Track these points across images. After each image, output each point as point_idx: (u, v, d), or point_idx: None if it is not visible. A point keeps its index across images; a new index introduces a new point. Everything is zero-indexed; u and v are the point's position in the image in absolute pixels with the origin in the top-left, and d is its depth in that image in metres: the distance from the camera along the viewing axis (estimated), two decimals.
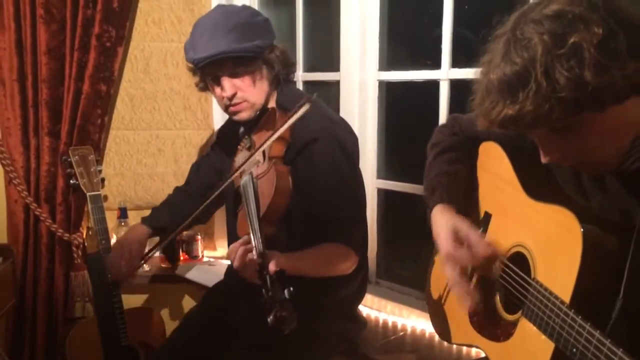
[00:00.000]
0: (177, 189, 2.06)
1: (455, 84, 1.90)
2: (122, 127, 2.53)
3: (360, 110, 2.16)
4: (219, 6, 1.71)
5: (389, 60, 2.16)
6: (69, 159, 2.15)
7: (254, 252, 1.28)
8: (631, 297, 0.93)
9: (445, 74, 1.92)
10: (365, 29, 2.12)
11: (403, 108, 2.20)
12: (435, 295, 1.48)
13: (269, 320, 1.03)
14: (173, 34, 2.51)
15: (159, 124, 2.56)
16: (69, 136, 2.27)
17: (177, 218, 1.80)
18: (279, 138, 1.57)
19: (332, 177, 1.58)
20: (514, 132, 0.98)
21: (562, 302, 0.97)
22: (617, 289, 0.94)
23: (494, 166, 1.31)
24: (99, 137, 2.33)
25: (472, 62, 1.90)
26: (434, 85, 1.95)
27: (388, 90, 2.18)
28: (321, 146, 1.58)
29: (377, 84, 2.16)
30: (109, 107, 2.36)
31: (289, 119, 1.47)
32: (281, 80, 1.70)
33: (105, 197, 2.35)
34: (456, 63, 1.89)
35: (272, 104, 1.70)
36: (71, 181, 2.17)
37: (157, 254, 2.50)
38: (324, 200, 1.56)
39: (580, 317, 0.93)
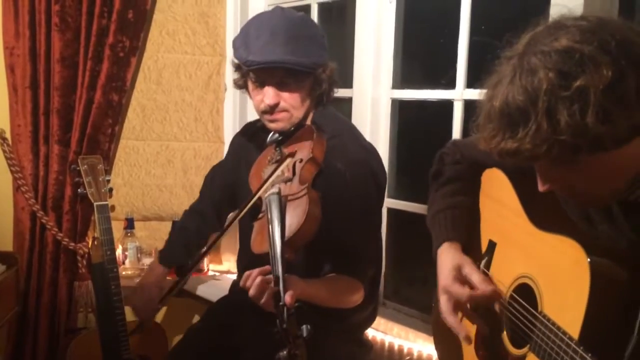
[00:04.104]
0: (191, 211, 2.01)
1: (470, 105, 1.88)
2: (133, 137, 2.52)
3: (373, 127, 2.14)
4: (279, 8, 1.61)
5: (402, 79, 2.14)
6: (78, 168, 2.14)
7: (272, 277, 1.23)
8: None
9: (460, 94, 1.89)
10: (379, 46, 2.10)
11: (416, 127, 2.18)
12: (442, 328, 1.44)
13: (281, 355, 0.99)
14: (187, 46, 2.51)
15: (169, 135, 2.55)
16: (78, 145, 2.27)
17: (193, 246, 1.77)
18: (312, 161, 1.51)
19: (361, 210, 1.53)
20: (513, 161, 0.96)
21: (571, 338, 0.93)
22: (628, 323, 0.90)
23: (498, 193, 1.27)
24: (109, 146, 2.32)
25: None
26: (448, 105, 1.93)
27: (401, 109, 2.16)
28: (356, 176, 1.53)
29: (390, 101, 2.14)
30: (120, 117, 2.36)
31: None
32: (324, 99, 1.64)
33: (113, 207, 2.34)
34: (471, 83, 1.87)
35: (308, 121, 1.65)
36: (79, 190, 2.16)
37: None
38: (350, 233, 1.51)
39: (590, 354, 0.89)
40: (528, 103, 0.85)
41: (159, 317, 2.49)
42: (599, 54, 0.83)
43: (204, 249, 1.68)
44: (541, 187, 0.99)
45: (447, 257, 1.23)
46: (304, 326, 1.02)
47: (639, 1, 1.57)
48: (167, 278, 1.98)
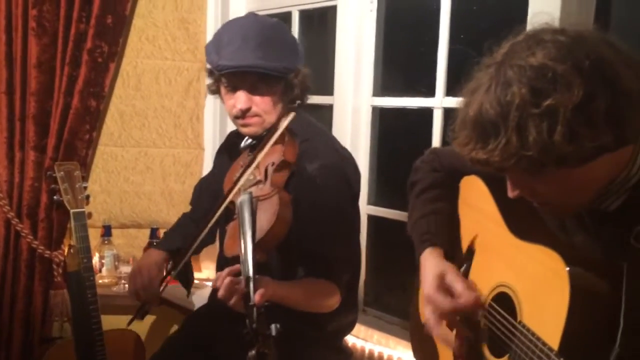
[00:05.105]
0: (183, 215, 1.99)
1: (449, 113, 1.89)
2: (111, 144, 2.49)
3: (353, 135, 2.15)
4: (252, 14, 1.67)
5: (383, 86, 2.15)
6: (54, 175, 2.10)
7: (242, 278, 1.23)
8: (628, 348, 0.89)
9: (440, 102, 1.91)
10: (360, 53, 2.11)
11: (396, 134, 2.18)
12: (419, 335, 1.43)
13: (249, 354, 0.99)
14: (167, 52, 2.49)
15: (148, 142, 2.53)
16: (55, 151, 2.23)
17: (189, 241, 1.73)
18: (284, 164, 1.52)
19: (333, 213, 1.54)
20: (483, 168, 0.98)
21: (550, 349, 0.93)
22: (609, 334, 0.90)
23: (476, 201, 1.28)
24: (86, 153, 2.29)
25: None
26: (428, 112, 1.94)
27: (381, 116, 2.17)
28: (328, 179, 1.54)
29: (370, 109, 2.14)
30: (97, 122, 2.33)
31: (276, 130, 1.45)
32: (296, 104, 1.65)
33: (90, 215, 2.30)
34: (450, 91, 1.88)
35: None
36: (55, 197, 2.11)
37: None
38: (321, 236, 1.52)
39: None
40: (500, 117, 0.87)
41: (136, 327, 2.46)
42: (571, 74, 0.84)
43: (197, 242, 1.64)
44: (510, 193, 1.02)
45: (431, 264, 1.23)
46: (273, 325, 1.02)
47: (615, 7, 1.60)
48: None
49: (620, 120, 0.85)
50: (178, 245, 1.81)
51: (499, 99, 0.87)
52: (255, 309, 1.06)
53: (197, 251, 1.81)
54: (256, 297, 1.11)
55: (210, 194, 1.90)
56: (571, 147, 0.84)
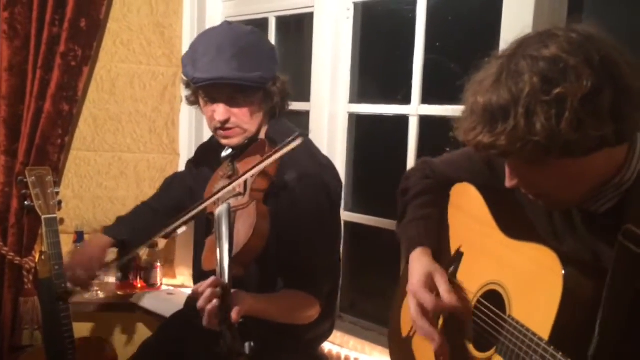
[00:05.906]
0: (143, 204, 1.94)
1: (425, 120, 1.91)
2: (84, 148, 2.46)
3: (330, 141, 2.15)
4: (226, 23, 1.65)
5: (359, 93, 2.16)
6: (25, 180, 2.07)
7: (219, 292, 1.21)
8: (606, 337, 0.93)
9: (415, 109, 1.92)
10: (336, 60, 2.12)
11: (372, 141, 2.20)
12: (399, 335, 1.45)
13: None
14: (142, 56, 2.47)
15: (123, 147, 2.50)
16: (26, 156, 2.20)
17: (139, 234, 1.69)
18: (264, 174, 1.51)
19: (312, 224, 1.53)
20: (486, 154, 1.01)
21: (541, 339, 0.96)
22: (591, 326, 0.94)
23: (468, 205, 1.30)
24: (59, 157, 2.26)
25: (442, 99, 1.90)
26: (404, 120, 1.96)
27: (358, 123, 2.18)
28: (307, 190, 1.53)
29: (347, 116, 2.15)
30: (70, 127, 2.30)
31: (277, 152, 1.39)
32: (277, 112, 1.64)
33: (62, 220, 2.27)
34: (426, 99, 1.90)
35: (262, 134, 1.64)
36: (26, 203, 2.09)
37: (113, 279, 2.43)
38: (300, 248, 1.51)
39: (560, 353, 0.92)
40: (510, 102, 0.90)
41: (109, 335, 2.42)
42: (582, 67, 0.88)
43: (152, 239, 1.61)
44: (508, 183, 1.04)
45: (420, 263, 1.25)
46: (247, 343, 1.01)
47: (585, 17, 1.64)
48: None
49: (621, 115, 0.89)
50: (125, 236, 1.77)
51: (509, 88, 0.91)
52: (229, 327, 1.05)
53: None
54: (233, 314, 1.10)
55: (182, 190, 1.88)
56: (577, 135, 0.88)
